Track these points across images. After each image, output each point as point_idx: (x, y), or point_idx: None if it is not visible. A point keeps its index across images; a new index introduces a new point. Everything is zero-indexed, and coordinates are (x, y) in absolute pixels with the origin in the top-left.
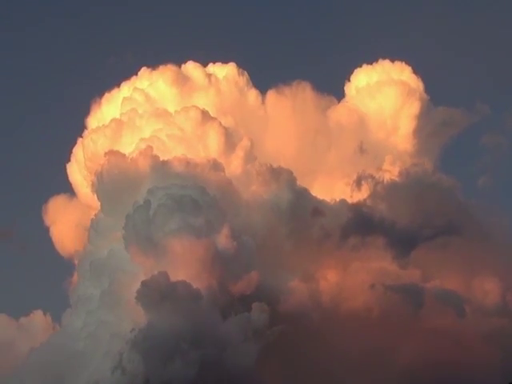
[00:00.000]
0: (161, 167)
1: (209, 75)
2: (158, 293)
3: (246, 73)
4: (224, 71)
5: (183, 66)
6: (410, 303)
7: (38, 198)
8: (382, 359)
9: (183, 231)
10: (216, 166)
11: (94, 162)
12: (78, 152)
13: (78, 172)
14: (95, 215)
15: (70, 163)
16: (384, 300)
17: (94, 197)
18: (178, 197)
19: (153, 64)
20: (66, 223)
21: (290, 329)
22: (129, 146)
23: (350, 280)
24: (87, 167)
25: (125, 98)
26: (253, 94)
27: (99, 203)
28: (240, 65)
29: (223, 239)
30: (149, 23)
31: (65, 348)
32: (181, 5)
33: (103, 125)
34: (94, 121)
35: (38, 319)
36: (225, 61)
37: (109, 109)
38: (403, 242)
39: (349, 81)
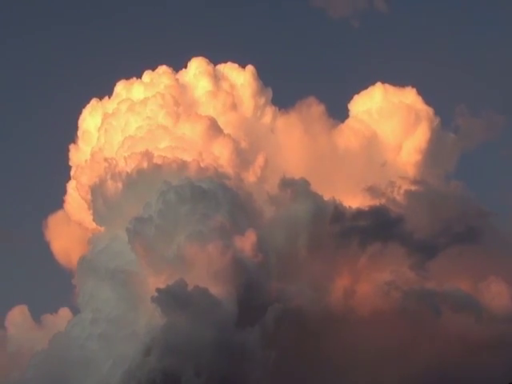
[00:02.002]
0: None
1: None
2: (175, 299)
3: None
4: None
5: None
6: (427, 309)
7: (38, 214)
8: (396, 363)
9: (202, 234)
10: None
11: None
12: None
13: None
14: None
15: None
16: (401, 305)
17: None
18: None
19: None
20: (66, 238)
21: (305, 334)
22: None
23: (366, 286)
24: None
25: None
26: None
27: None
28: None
29: (246, 246)
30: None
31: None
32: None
33: (89, 158)
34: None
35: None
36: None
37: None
38: (421, 251)
39: (357, 101)
